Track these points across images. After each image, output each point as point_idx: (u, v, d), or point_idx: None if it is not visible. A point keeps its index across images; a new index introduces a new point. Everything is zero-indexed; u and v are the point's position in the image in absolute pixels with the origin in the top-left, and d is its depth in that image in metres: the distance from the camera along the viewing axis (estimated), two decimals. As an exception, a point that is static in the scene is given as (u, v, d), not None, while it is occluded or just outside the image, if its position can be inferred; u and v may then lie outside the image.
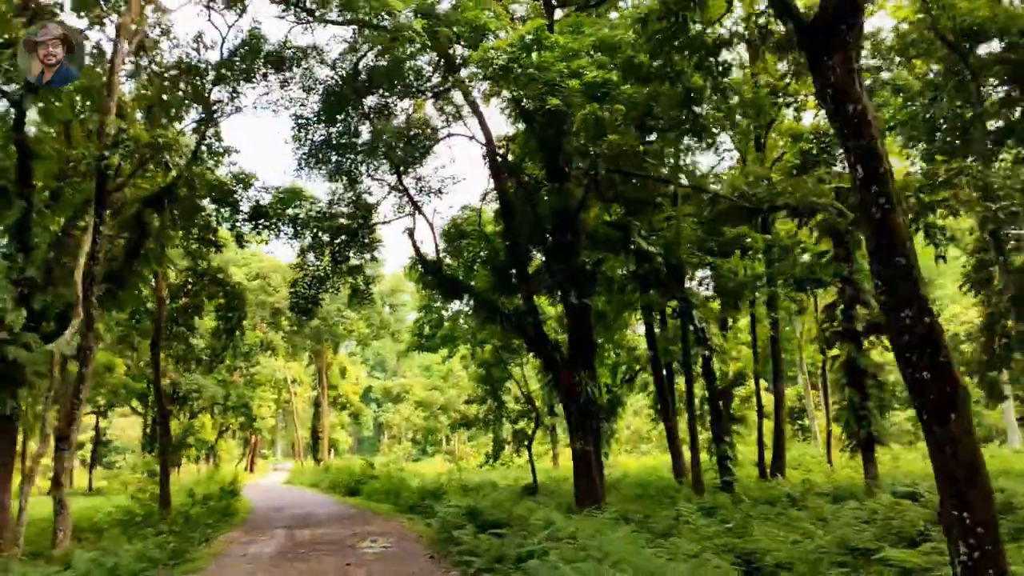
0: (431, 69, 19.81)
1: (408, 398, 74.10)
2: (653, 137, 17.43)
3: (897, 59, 23.27)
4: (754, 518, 13.00)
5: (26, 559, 12.09)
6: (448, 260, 22.56)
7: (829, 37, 6.80)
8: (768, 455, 20.93)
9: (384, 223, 23.06)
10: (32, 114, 15.19)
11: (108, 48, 16.42)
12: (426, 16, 16.74)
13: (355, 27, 19.23)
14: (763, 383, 22.99)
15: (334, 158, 20.98)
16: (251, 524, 19.36)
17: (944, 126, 22.29)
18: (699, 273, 21.63)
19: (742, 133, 20.84)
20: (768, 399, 22.23)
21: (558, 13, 19.49)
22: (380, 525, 17.48)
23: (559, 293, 19.03)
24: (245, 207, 20.64)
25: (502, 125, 62.89)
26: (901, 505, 11.82)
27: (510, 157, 20.71)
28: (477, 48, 15.96)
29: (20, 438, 17.16)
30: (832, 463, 24.38)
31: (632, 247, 17.57)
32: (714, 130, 16.76)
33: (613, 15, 19.51)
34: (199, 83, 18.70)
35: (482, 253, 22.19)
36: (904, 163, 23.79)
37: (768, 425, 21.29)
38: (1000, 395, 27.69)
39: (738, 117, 17.95)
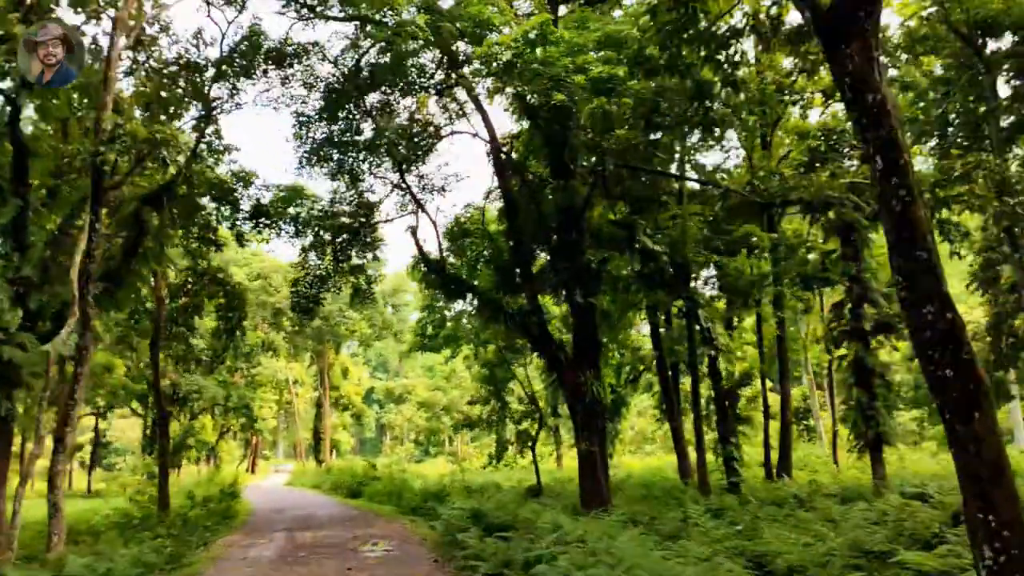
0: (434, 65, 19.66)
1: (410, 399, 73.83)
2: (660, 135, 17.21)
3: (904, 56, 23.05)
4: (763, 520, 12.79)
5: (20, 563, 11.85)
6: (451, 259, 22.40)
7: (847, 24, 6.58)
8: (774, 456, 20.77)
9: (386, 222, 22.97)
10: (29, 111, 14.99)
11: (105, 43, 16.21)
12: (429, 12, 16.56)
13: (357, 23, 19.05)
14: (768, 383, 22.82)
15: (336, 156, 20.81)
16: (251, 526, 19.16)
17: (956, 121, 22.07)
18: (705, 272, 21.44)
19: (748, 130, 20.61)
20: (774, 399, 22.04)
21: (562, 9, 19.24)
22: (382, 527, 17.27)
23: (564, 292, 18.85)
24: (246, 205, 20.51)
25: (506, 122, 62.66)
26: (911, 506, 11.60)
27: (514, 155, 20.50)
28: (481, 44, 15.75)
29: (16, 439, 16.99)
30: (838, 463, 24.19)
31: (637, 246, 17.34)
32: (724, 125, 16.53)
33: (617, 13, 19.29)
34: (198, 80, 18.51)
35: (486, 252, 22.01)
36: (915, 160, 23.56)
37: (774, 425, 21.11)
38: (1007, 395, 27.51)
39: (744, 114, 17.71)
